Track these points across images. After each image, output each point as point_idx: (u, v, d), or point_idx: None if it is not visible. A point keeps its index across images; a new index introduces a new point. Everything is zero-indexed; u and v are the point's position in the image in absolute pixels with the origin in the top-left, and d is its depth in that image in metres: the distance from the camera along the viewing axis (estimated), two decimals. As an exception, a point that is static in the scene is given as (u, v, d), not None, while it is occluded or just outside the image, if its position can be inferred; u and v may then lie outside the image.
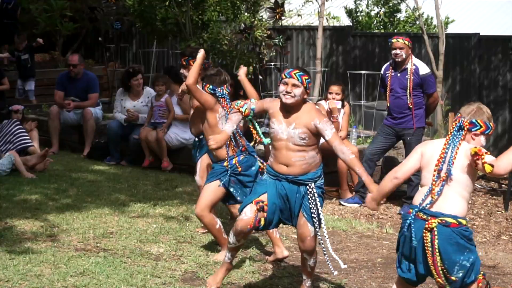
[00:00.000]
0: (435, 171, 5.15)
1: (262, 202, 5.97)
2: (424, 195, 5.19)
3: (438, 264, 5.12)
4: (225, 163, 6.95)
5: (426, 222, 5.11)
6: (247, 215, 5.96)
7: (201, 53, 7.12)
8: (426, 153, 5.29)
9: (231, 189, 7.00)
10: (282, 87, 5.91)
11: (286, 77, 5.92)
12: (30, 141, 10.95)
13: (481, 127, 5.17)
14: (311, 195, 5.94)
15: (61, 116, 12.37)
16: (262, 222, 6.00)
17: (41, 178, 10.12)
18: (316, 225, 5.97)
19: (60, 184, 9.90)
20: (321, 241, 6.10)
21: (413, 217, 5.19)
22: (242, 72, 7.23)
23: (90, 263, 6.75)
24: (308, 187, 5.94)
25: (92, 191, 9.61)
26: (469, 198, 5.22)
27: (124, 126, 11.73)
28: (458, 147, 5.13)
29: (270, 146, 6.10)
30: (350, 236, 8.36)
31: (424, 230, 5.12)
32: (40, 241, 7.36)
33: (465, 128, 5.17)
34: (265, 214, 5.98)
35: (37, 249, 7.08)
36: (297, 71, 5.94)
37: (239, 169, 6.90)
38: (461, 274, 5.12)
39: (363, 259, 7.53)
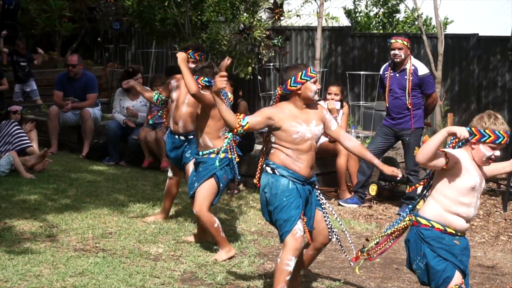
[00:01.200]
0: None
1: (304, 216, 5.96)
2: None
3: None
4: (212, 155, 7.08)
5: None
6: (302, 231, 5.87)
7: (180, 56, 7.19)
8: None
9: (221, 185, 7.12)
10: (314, 86, 5.98)
11: (316, 75, 6.04)
12: (28, 141, 10.95)
13: (475, 135, 5.14)
14: (318, 192, 6.10)
15: (60, 116, 12.36)
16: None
17: (40, 179, 10.12)
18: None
19: (59, 184, 9.90)
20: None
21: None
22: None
23: (89, 263, 6.76)
24: (314, 185, 6.07)
25: (91, 191, 9.61)
26: (445, 201, 5.19)
27: (123, 126, 11.74)
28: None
29: (285, 152, 5.90)
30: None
31: None
32: (39, 241, 7.37)
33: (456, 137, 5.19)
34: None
35: (36, 249, 7.09)
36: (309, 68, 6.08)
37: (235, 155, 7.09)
38: (418, 273, 5.33)
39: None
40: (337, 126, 6.04)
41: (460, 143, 5.18)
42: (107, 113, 13.18)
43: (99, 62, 17.70)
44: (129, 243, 7.47)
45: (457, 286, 5.20)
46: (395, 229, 5.45)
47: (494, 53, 12.43)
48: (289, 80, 5.94)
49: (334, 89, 10.16)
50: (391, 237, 5.50)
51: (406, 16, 16.40)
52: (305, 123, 5.89)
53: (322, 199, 6.10)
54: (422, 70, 9.68)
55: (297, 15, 16.15)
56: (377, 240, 5.57)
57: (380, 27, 16.50)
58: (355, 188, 9.96)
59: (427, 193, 5.34)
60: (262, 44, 13.33)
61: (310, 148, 5.90)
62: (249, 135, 10.52)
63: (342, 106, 10.26)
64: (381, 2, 16.41)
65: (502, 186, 10.84)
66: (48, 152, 11.21)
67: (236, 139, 7.05)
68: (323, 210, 6.08)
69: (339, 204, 9.84)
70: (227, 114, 5.79)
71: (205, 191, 7.13)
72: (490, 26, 16.40)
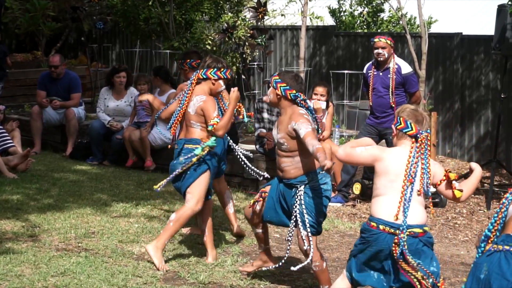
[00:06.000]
0: (405, 183, 5.21)
1: (265, 192, 6.36)
2: (388, 207, 5.23)
3: (413, 274, 5.15)
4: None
5: (395, 237, 5.14)
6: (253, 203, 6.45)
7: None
8: (386, 160, 5.32)
9: None
10: None
11: None
12: (11, 141, 10.87)
13: None
14: (298, 196, 6.07)
15: (44, 116, 12.31)
16: (258, 208, 6.39)
17: (23, 178, 10.05)
18: (302, 226, 6.04)
19: (42, 184, 9.84)
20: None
21: (379, 231, 5.23)
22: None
23: (71, 263, 6.72)
24: (297, 189, 6.09)
25: (74, 191, 9.57)
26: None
27: (107, 126, 11.70)
28: (429, 162, 5.22)
29: None
30: (332, 235, 8.36)
31: (393, 244, 5.15)
32: (21, 241, 7.32)
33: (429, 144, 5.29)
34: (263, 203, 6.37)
35: (18, 249, 7.04)
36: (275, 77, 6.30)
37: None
38: (431, 280, 5.17)
39: (345, 258, 7.52)
40: (305, 133, 5.92)
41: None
42: (91, 112, 13.14)
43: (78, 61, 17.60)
44: (112, 243, 7.44)
45: (442, 278, 5.32)
46: (402, 258, 5.21)
47: (478, 52, 12.45)
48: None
49: (320, 89, 10.15)
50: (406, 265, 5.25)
51: (391, 15, 16.40)
52: (277, 128, 6.23)
53: (298, 202, 6.08)
54: (406, 68, 9.71)
55: (282, 15, 16.14)
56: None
57: (365, 26, 16.51)
58: (338, 187, 9.97)
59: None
60: (246, 43, 13.31)
61: (276, 152, 6.25)
62: (233, 134, 10.50)
63: (327, 107, 10.26)
64: (365, 2, 16.43)
65: (485, 185, 10.87)
66: (31, 151, 11.14)
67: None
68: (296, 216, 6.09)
69: (323, 203, 9.83)
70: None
71: None
72: (474, 25, 16.44)
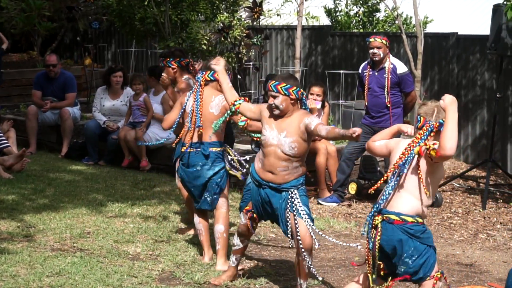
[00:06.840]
0: (393, 168, 5.33)
1: (251, 211, 6.29)
2: (382, 192, 5.43)
3: (376, 258, 5.34)
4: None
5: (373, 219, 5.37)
6: (243, 220, 6.33)
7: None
8: (392, 151, 5.47)
9: None
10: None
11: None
12: (6, 141, 10.86)
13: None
14: (295, 198, 6.08)
15: (39, 116, 12.30)
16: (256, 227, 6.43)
17: (18, 178, 10.04)
18: (309, 222, 6.08)
19: (38, 184, 9.84)
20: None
21: (371, 214, 5.43)
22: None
23: (66, 263, 6.72)
24: (290, 192, 6.09)
25: (70, 191, 9.56)
26: (425, 197, 5.28)
27: (103, 126, 11.68)
28: (422, 143, 5.24)
29: (260, 151, 6.22)
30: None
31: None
32: (16, 241, 7.32)
33: (435, 130, 5.26)
34: (256, 220, 6.35)
35: (13, 249, 7.04)
36: (273, 82, 6.10)
37: None
38: (403, 269, 5.29)
39: (341, 258, 7.53)
40: (317, 122, 5.97)
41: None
42: (87, 112, 13.12)
43: (78, 61, 17.62)
44: (107, 243, 7.44)
45: (440, 271, 5.36)
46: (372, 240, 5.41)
47: (474, 52, 12.45)
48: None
49: (316, 89, 10.16)
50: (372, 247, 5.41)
51: (386, 15, 16.40)
52: (278, 129, 6.05)
53: (298, 203, 6.08)
54: (401, 68, 9.72)
55: (278, 14, 16.14)
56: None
57: (360, 26, 16.50)
58: (334, 187, 9.96)
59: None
60: (242, 43, 13.31)
61: (273, 154, 6.06)
62: (229, 134, 10.49)
63: (323, 106, 10.26)
64: (361, 1, 16.41)
65: (481, 184, 10.88)
66: (27, 152, 11.14)
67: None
68: (296, 215, 6.07)
69: (318, 203, 9.84)
70: (228, 91, 6.31)
71: None
72: (470, 25, 16.43)
